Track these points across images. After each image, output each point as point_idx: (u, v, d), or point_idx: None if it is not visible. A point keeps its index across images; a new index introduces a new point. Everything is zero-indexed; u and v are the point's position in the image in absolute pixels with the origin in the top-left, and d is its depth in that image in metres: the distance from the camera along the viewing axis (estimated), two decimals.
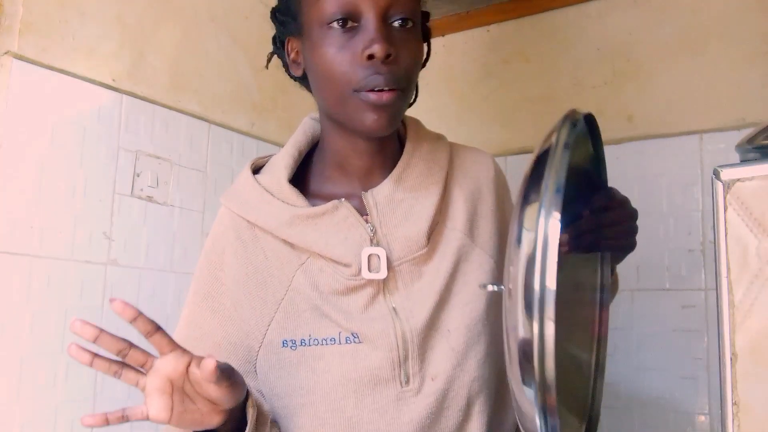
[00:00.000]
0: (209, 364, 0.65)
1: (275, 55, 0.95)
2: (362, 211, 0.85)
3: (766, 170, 0.48)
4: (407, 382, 0.79)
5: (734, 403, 0.47)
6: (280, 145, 1.70)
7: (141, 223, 1.33)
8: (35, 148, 1.17)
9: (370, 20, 0.77)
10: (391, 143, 0.90)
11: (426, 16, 0.89)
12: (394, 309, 0.81)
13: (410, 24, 0.80)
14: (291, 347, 0.81)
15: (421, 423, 0.79)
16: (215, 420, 0.72)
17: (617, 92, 1.55)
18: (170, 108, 1.40)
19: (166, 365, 0.70)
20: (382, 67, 0.77)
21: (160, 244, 1.36)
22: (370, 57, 0.76)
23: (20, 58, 1.16)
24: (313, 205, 0.86)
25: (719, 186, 0.49)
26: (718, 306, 0.52)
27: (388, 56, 0.76)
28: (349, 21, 0.77)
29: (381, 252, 0.81)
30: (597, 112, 1.73)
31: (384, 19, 0.78)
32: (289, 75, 0.95)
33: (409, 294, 0.83)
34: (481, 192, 0.91)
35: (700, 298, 1.40)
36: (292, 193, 0.86)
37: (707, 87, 1.45)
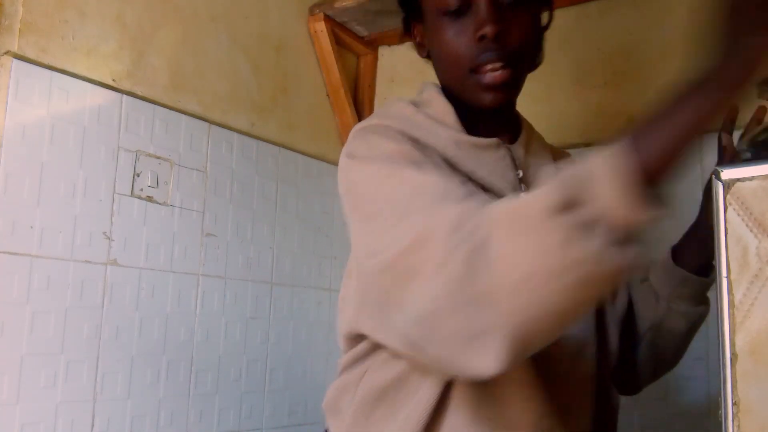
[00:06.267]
0: None
1: (406, 36, 0.99)
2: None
3: (766, 170, 0.48)
4: None
5: (734, 403, 0.47)
6: (281, 145, 1.71)
7: (141, 223, 1.33)
8: (35, 148, 1.17)
9: (481, 3, 0.82)
10: (509, 110, 0.94)
11: None
12: None
13: (519, 2, 0.83)
14: None
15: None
16: None
17: (617, 92, 1.55)
18: (170, 108, 1.40)
19: None
20: (492, 45, 0.82)
21: (160, 244, 1.36)
22: (482, 38, 0.82)
23: (20, 58, 1.16)
24: None
25: (719, 186, 0.49)
26: (718, 306, 0.52)
27: (497, 35, 0.81)
28: (462, 7, 0.83)
29: None
30: (597, 112, 1.73)
31: (495, 1, 0.82)
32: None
33: None
34: None
35: None
36: (458, 123, 0.86)
37: None
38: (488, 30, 0.81)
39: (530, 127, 0.96)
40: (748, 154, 0.79)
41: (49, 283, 1.17)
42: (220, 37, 1.53)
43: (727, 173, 0.49)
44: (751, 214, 0.48)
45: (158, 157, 1.37)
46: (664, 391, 1.42)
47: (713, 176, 0.50)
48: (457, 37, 0.84)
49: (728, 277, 0.48)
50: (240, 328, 1.52)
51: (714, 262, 0.90)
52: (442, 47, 0.86)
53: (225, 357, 1.48)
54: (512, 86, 0.86)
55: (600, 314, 0.91)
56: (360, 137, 0.82)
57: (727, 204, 0.48)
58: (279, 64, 1.68)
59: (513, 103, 0.94)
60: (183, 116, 1.43)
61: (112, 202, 1.29)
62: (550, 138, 1.02)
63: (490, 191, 0.83)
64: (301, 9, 1.74)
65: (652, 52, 1.52)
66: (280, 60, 1.68)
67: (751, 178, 0.48)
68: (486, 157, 0.85)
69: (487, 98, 0.84)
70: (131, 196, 1.32)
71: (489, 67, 0.82)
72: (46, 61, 1.19)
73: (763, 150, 0.77)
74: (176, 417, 1.37)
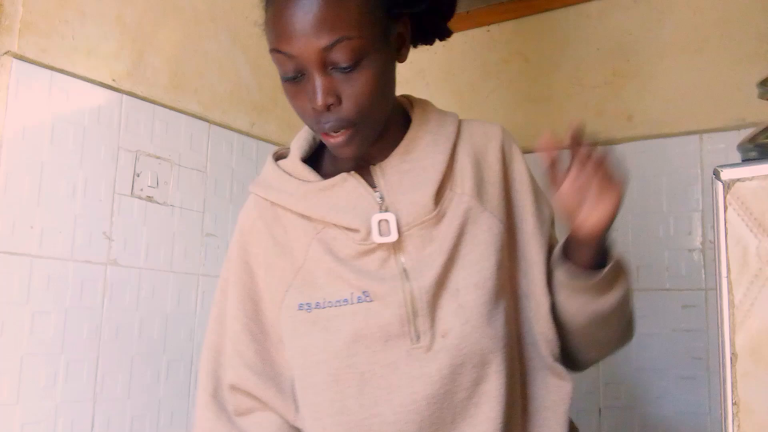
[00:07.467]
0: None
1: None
2: (371, 182, 0.91)
3: (766, 170, 0.48)
4: (418, 338, 0.83)
5: (734, 403, 0.47)
6: (280, 145, 1.71)
7: (141, 223, 1.33)
8: (35, 148, 1.17)
9: (309, 75, 0.83)
10: (392, 127, 0.94)
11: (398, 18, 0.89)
12: (404, 270, 0.86)
13: (354, 66, 0.82)
14: (306, 310, 0.87)
15: (434, 378, 0.82)
16: None
17: (617, 92, 1.55)
18: (170, 108, 1.40)
19: None
20: (325, 115, 0.83)
21: (160, 244, 1.36)
22: (314, 108, 0.83)
23: (20, 58, 1.16)
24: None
25: (719, 186, 0.49)
26: (718, 306, 0.52)
27: (328, 106, 0.83)
28: (297, 75, 0.84)
29: (390, 216, 0.87)
30: (597, 112, 1.73)
31: (323, 70, 0.82)
32: None
33: (420, 257, 0.87)
34: (487, 160, 0.95)
35: (700, 298, 1.40)
36: (305, 170, 0.93)
37: (707, 87, 1.45)
38: (318, 103, 0.82)
39: (419, 127, 0.94)
40: (754, 154, 0.79)
41: (49, 283, 1.17)
42: (220, 37, 1.53)
43: (727, 173, 0.49)
44: (751, 214, 0.48)
45: (158, 157, 1.37)
46: (664, 391, 1.42)
47: (713, 176, 0.50)
48: (298, 102, 0.85)
49: (728, 277, 0.48)
50: None
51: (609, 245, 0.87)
52: (292, 107, 0.88)
53: None
54: (358, 140, 0.86)
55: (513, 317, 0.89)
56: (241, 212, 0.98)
57: (727, 204, 0.48)
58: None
59: (392, 122, 0.93)
60: (183, 116, 1.43)
61: (112, 202, 1.29)
62: None
63: (343, 228, 0.88)
64: None
65: (652, 52, 1.52)
66: None
67: (751, 178, 0.48)
68: (336, 196, 0.90)
69: (337, 152, 0.87)
70: (131, 196, 1.32)
71: (327, 134, 0.85)
72: (46, 61, 1.19)
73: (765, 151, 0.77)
74: (176, 417, 1.37)
